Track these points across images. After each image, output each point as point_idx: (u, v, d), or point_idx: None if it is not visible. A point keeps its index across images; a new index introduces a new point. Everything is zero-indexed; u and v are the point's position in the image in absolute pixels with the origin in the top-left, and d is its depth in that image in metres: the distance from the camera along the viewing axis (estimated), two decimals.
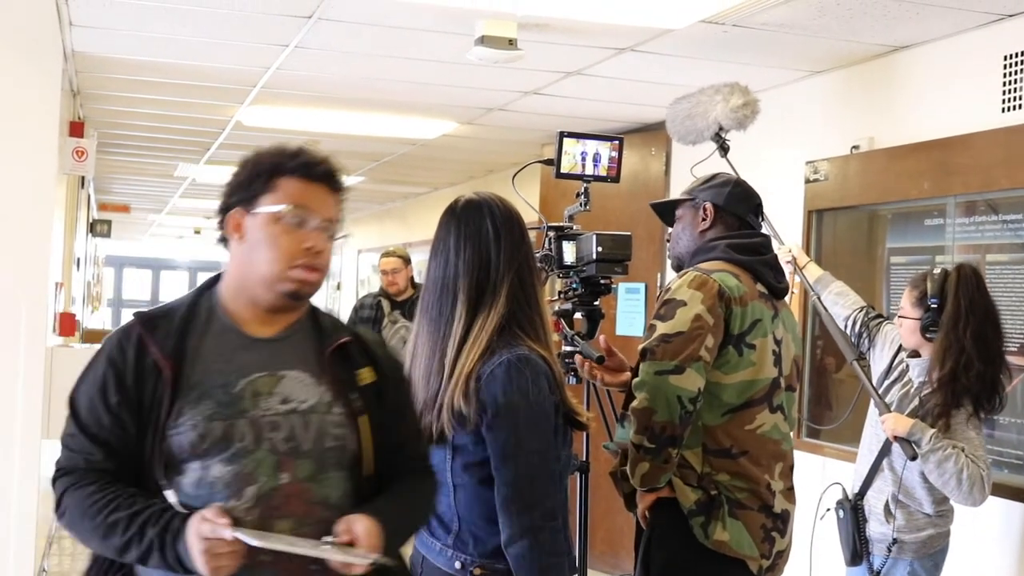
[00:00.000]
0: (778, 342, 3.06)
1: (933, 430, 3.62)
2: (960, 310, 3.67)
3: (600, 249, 3.44)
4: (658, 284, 6.63)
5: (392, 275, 7.52)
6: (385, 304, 7.48)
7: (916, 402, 3.77)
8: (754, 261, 3.10)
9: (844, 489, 3.95)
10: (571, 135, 3.71)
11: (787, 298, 3.26)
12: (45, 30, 4.88)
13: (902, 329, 3.87)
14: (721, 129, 4.26)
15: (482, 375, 2.43)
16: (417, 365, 2.55)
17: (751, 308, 2.99)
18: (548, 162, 3.75)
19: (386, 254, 7.64)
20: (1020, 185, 4.28)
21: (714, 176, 3.28)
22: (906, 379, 3.89)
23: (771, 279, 3.12)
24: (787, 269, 3.93)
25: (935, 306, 3.71)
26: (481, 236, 2.54)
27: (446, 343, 2.49)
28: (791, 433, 3.13)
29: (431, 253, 2.61)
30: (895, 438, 3.68)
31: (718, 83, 4.37)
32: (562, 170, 3.70)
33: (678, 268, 3.28)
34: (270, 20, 4.99)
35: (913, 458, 3.62)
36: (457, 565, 2.50)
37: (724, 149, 4.25)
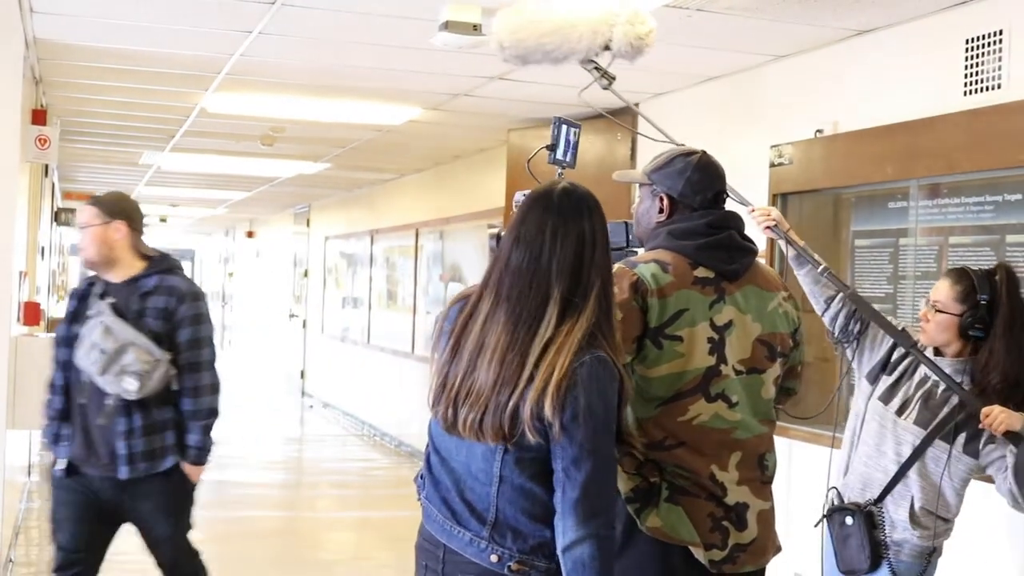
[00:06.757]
0: (720, 328, 2.90)
1: None
2: (1015, 312, 3.50)
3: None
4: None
5: (82, 232, 4.36)
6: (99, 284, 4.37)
7: (946, 410, 3.53)
8: (691, 246, 2.93)
9: (840, 494, 3.72)
10: (565, 122, 3.55)
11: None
12: (6, 17, 4.84)
13: (933, 323, 3.59)
14: (605, 50, 3.58)
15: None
16: (486, 353, 2.42)
17: (675, 298, 2.85)
18: (551, 147, 3.58)
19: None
20: (982, 167, 4.32)
21: (673, 159, 3.04)
22: (920, 376, 3.62)
23: (719, 261, 2.95)
24: (768, 234, 3.58)
25: (984, 303, 3.50)
26: (581, 237, 2.44)
27: (530, 341, 2.38)
28: (758, 420, 2.95)
29: (515, 238, 2.46)
30: (1007, 434, 3.40)
31: (610, 2, 3.66)
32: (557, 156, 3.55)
33: (641, 246, 3.16)
34: (234, 6, 4.96)
35: None
36: (493, 558, 2.42)
37: (610, 79, 3.62)
